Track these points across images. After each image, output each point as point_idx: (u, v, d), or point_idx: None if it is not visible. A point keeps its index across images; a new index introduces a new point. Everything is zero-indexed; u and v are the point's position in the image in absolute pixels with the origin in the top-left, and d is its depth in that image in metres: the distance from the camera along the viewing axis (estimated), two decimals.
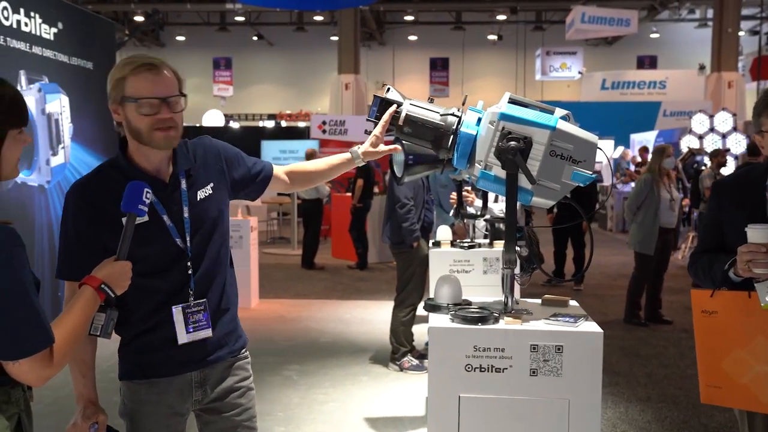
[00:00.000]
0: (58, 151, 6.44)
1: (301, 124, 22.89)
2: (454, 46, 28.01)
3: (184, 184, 2.09)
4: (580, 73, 24.51)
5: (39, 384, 1.58)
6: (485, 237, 4.47)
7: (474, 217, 4.20)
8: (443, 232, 4.28)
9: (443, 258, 4.08)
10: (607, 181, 13.87)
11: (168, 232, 2.03)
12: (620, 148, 17.81)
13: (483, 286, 3.86)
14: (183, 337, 2.05)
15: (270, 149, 12.67)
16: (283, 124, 25.86)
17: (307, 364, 5.48)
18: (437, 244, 4.22)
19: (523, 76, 27.84)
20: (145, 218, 1.93)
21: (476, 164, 2.20)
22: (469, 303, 2.38)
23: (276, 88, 29.78)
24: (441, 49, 28.30)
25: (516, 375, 2.13)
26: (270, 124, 25.78)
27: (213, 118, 24.15)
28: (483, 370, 2.15)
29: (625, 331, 6.57)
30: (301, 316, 7.16)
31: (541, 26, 27.17)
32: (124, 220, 1.90)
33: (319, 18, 25.68)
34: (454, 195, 4.31)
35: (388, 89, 2.31)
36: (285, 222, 14.28)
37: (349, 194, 10.71)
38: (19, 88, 5.87)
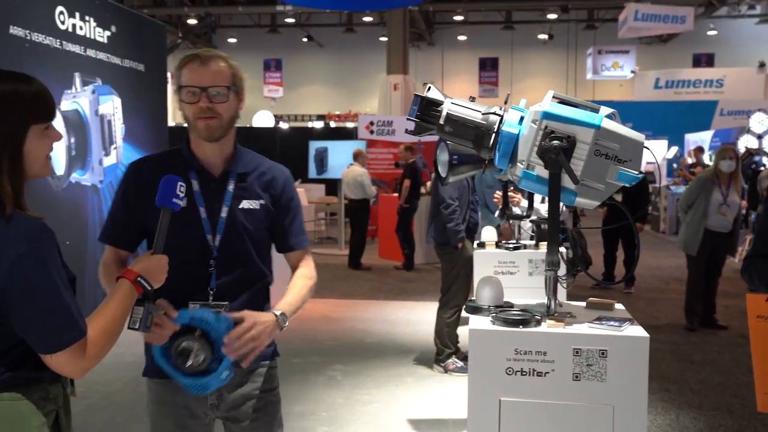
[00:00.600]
0: (111, 152, 6.58)
1: (350, 125, 22.98)
2: (504, 45, 27.76)
3: (231, 186, 2.09)
4: (632, 72, 24.02)
5: (78, 376, 1.59)
6: (531, 238, 4.41)
7: (520, 218, 4.14)
8: (488, 233, 4.24)
9: (488, 259, 4.04)
10: (660, 182, 13.56)
11: (201, 225, 2.04)
12: (674, 149, 17.39)
13: (528, 288, 3.81)
14: None
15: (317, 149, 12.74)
16: (332, 124, 26.00)
17: (351, 365, 5.48)
18: (482, 245, 4.18)
19: (573, 76, 27.43)
20: (183, 203, 1.94)
21: (518, 164, 2.16)
22: (511, 305, 2.34)
23: (325, 88, 29.98)
24: (490, 49, 28.07)
25: (558, 379, 2.09)
26: (319, 124, 25.95)
27: (263, 119, 24.43)
28: (524, 373, 2.11)
29: (678, 335, 6.40)
30: (347, 317, 7.17)
31: (592, 25, 26.72)
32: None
33: (368, 19, 25.76)
34: (499, 195, 4.25)
35: (429, 88, 2.29)
36: (332, 222, 14.35)
37: (396, 195, 10.70)
38: (73, 89, 6.04)
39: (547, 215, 4.84)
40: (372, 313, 7.36)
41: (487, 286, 2.35)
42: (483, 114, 2.22)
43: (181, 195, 1.89)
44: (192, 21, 24.29)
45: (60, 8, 5.84)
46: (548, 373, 2.10)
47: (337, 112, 28.37)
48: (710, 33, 25.33)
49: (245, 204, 2.09)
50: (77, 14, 6.09)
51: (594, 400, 2.08)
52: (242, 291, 2.09)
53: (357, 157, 10.76)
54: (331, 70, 29.77)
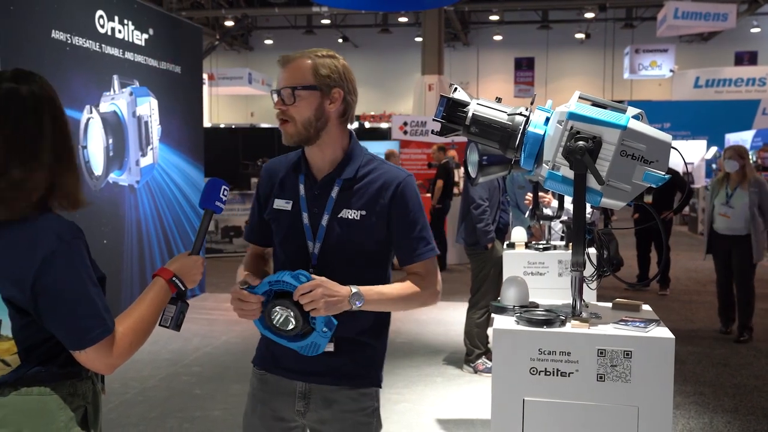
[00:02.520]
0: (147, 152, 6.72)
1: (384, 125, 23.04)
2: (540, 45, 27.56)
3: (335, 192, 1.99)
4: (671, 71, 23.64)
5: (108, 371, 1.63)
6: (561, 239, 4.40)
7: (550, 218, 4.13)
8: (518, 234, 4.23)
9: (517, 260, 4.04)
10: (698, 182, 13.34)
11: (303, 231, 1.99)
12: (713, 149, 17.09)
13: (557, 289, 3.79)
14: None
15: None
16: (367, 125, 26.08)
17: None
18: (511, 245, 4.17)
19: (611, 75, 27.10)
20: (288, 207, 2.00)
21: (544, 164, 2.16)
22: (536, 305, 2.34)
23: (360, 89, 29.09)
24: (526, 49, 27.89)
25: (582, 380, 2.09)
26: (354, 125, 26.06)
27: None
28: (548, 373, 2.12)
29: (713, 339, 6.30)
30: None
31: (631, 23, 26.38)
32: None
33: (403, 19, 25.80)
34: (529, 196, 4.25)
35: (456, 89, 2.30)
36: None
37: (429, 195, 10.71)
38: (111, 91, 6.17)
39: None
40: (402, 313, 7.34)
41: (513, 286, 2.36)
42: (509, 115, 2.23)
43: (224, 198, 1.89)
44: (229, 23, 24.58)
45: (100, 12, 5.98)
46: (572, 373, 2.10)
47: (372, 113, 28.45)
48: (754, 30, 24.81)
49: (344, 214, 1.97)
50: (116, 18, 6.23)
51: (618, 401, 2.07)
52: None
53: (389, 157, 10.79)
54: (366, 71, 29.84)
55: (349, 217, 1.97)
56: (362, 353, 2.04)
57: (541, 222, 4.27)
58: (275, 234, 2.07)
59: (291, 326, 1.84)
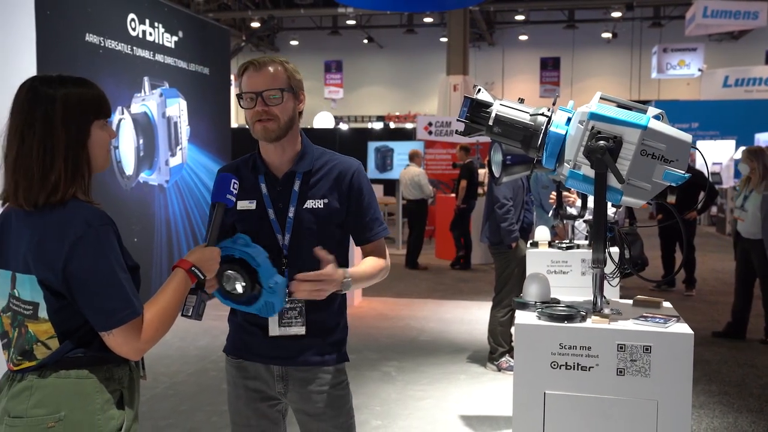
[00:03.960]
0: (176, 152, 6.84)
1: (409, 126, 23.09)
2: (566, 45, 27.41)
3: (297, 186, 2.15)
4: (700, 70, 23.38)
5: (135, 356, 1.70)
6: (585, 238, 4.42)
7: (573, 218, 4.17)
8: (541, 233, 4.27)
9: (540, 258, 4.08)
10: (726, 183, 13.20)
11: (270, 225, 2.14)
12: (742, 149, 16.87)
13: (581, 288, 3.82)
14: (275, 330, 2.13)
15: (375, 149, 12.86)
16: (392, 125, 26.14)
17: (405, 361, 5.58)
18: (535, 244, 4.21)
19: (638, 75, 26.88)
20: (252, 206, 2.12)
21: (565, 163, 2.21)
22: (558, 301, 2.39)
23: (385, 90, 30.17)
24: (552, 49, 27.74)
25: (602, 374, 2.14)
26: (379, 125, 26.14)
27: (323, 120, 24.76)
28: (569, 367, 2.17)
29: (741, 340, 6.26)
30: (402, 315, 7.27)
31: (658, 22, 26.14)
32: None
33: (428, 20, 25.82)
34: (554, 195, 4.28)
35: (479, 90, 2.36)
36: (390, 222, 14.48)
37: (453, 195, 10.75)
38: (142, 93, 6.31)
39: (611, 216, 4.85)
40: (427, 311, 7.44)
41: (535, 282, 2.41)
42: (531, 115, 2.28)
43: (235, 192, 1.99)
44: (255, 24, 24.80)
45: (131, 15, 6.12)
46: (592, 367, 2.15)
47: (397, 113, 28.51)
48: None
49: (309, 204, 2.15)
50: (147, 21, 6.36)
51: (638, 395, 2.12)
52: None
53: (413, 157, 10.85)
54: (391, 71, 29.95)
55: (314, 206, 2.15)
56: (331, 334, 2.20)
57: (565, 221, 4.31)
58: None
59: (240, 289, 1.97)
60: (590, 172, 2.16)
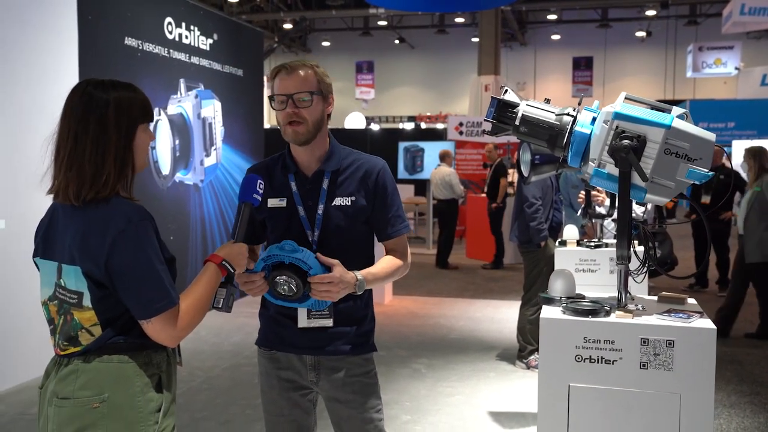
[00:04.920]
0: (211, 153, 6.99)
1: (440, 126, 23.12)
2: (599, 44, 27.20)
3: (326, 184, 2.24)
4: (737, 68, 23.00)
5: (172, 343, 1.81)
6: (614, 237, 4.44)
7: (602, 217, 4.20)
8: (570, 232, 4.30)
9: (569, 257, 4.11)
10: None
11: (300, 222, 2.23)
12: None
13: (608, 286, 3.84)
14: (303, 322, 2.23)
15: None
16: (423, 126, 26.18)
17: (435, 359, 5.64)
18: (563, 243, 4.25)
19: (672, 74, 26.56)
20: (283, 203, 2.22)
21: (590, 162, 2.26)
22: (583, 297, 2.44)
23: (416, 90, 30.22)
24: (584, 48, 27.54)
25: (626, 367, 2.18)
26: (410, 126, 26.21)
27: (354, 121, 24.90)
28: (593, 361, 2.22)
29: None
30: (432, 313, 7.34)
31: (694, 20, 25.79)
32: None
33: (460, 20, 25.81)
34: (582, 195, 4.31)
35: (506, 91, 2.42)
36: (422, 222, 14.54)
37: (484, 195, 10.76)
38: (178, 94, 6.46)
39: (636, 215, 4.87)
40: (457, 310, 7.50)
41: (560, 278, 2.46)
42: (557, 115, 2.34)
43: (260, 191, 2.09)
44: (287, 25, 25.03)
45: (168, 19, 6.27)
46: (616, 361, 2.20)
47: (428, 114, 28.54)
48: None
49: (337, 201, 2.23)
50: (183, 24, 6.51)
51: (661, 388, 2.16)
52: None
53: (444, 157, 10.90)
54: (422, 72, 29.98)
55: (342, 203, 2.24)
56: (359, 325, 2.29)
57: (593, 220, 4.33)
58: (272, 230, 2.28)
59: (294, 291, 2.08)
60: (614, 171, 2.21)
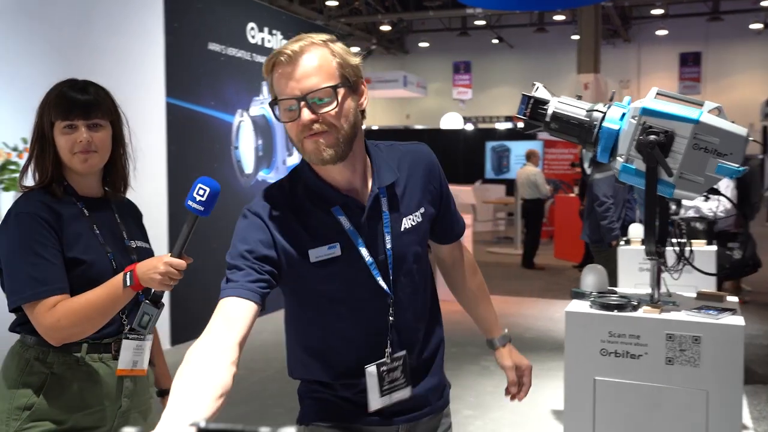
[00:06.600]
0: (293, 152, 7.27)
1: None
2: (708, 39, 25.98)
3: (385, 205, 1.58)
4: None
5: (48, 338, 1.76)
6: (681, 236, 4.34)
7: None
8: (634, 230, 4.23)
9: (632, 255, 4.05)
10: None
11: (367, 269, 1.55)
12: None
13: (672, 285, 3.77)
14: (375, 403, 1.60)
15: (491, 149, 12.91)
16: (519, 125, 25.87)
17: None
18: (627, 242, 4.19)
19: None
20: (336, 251, 1.54)
21: (618, 157, 2.28)
22: (614, 292, 2.45)
23: (514, 89, 29.84)
24: (691, 43, 26.38)
25: (651, 362, 2.19)
26: (507, 125, 25.97)
27: (451, 121, 24.92)
28: (618, 355, 2.24)
29: None
30: (510, 312, 7.32)
31: None
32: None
33: (559, 17, 25.35)
34: None
35: (537, 88, 2.47)
36: (509, 222, 14.43)
37: (574, 195, 10.59)
38: (261, 97, 6.76)
39: (708, 213, 4.73)
40: (536, 310, 7.44)
41: (591, 273, 2.49)
42: (587, 111, 2.37)
43: (199, 199, 1.69)
44: (385, 27, 25.36)
45: (251, 24, 6.58)
46: (641, 356, 2.20)
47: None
48: None
49: (406, 222, 1.61)
50: (266, 29, 6.80)
51: (687, 384, 2.15)
52: (417, 327, 1.69)
53: (530, 157, 10.82)
54: (520, 71, 29.58)
55: (413, 223, 1.63)
56: (438, 376, 1.80)
57: None
58: (323, 293, 1.58)
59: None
60: (642, 166, 2.21)
